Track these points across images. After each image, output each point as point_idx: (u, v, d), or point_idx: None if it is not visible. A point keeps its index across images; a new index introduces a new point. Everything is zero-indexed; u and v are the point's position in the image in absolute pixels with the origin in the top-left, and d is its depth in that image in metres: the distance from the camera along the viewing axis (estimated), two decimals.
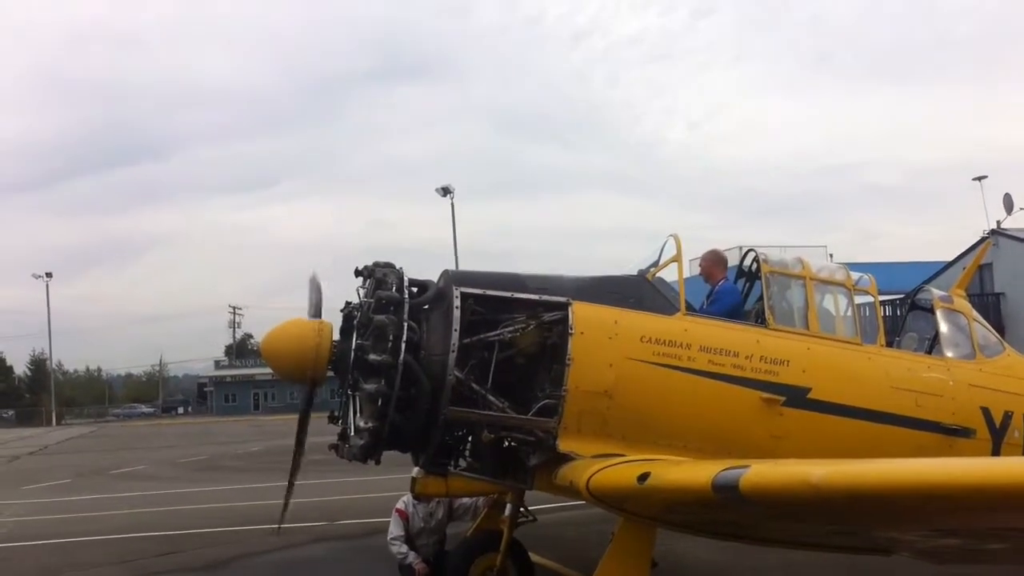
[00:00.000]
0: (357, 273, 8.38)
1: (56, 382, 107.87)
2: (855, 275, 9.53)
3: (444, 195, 64.38)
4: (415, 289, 8.39)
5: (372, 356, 7.75)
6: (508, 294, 8.30)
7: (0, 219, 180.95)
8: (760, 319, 8.86)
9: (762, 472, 5.74)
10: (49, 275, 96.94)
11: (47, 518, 18.74)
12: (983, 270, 40.99)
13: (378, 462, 8.28)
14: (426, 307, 8.33)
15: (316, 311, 8.23)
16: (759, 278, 9.13)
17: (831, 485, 5.20)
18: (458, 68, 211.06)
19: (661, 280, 8.83)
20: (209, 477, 26.63)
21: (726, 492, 5.83)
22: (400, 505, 10.17)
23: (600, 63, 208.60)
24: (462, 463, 8.71)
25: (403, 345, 7.81)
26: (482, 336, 8.13)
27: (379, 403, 7.81)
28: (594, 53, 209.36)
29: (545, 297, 8.29)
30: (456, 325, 7.99)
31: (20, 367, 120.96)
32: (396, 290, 8.09)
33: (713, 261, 9.75)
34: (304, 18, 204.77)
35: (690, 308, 8.73)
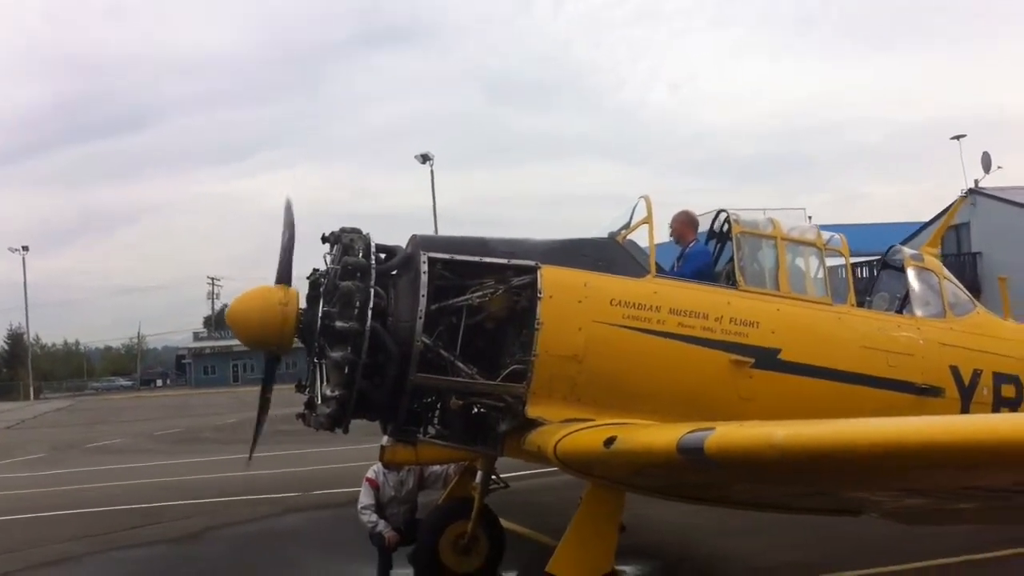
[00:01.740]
0: (324, 239, 8.21)
1: (34, 356, 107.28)
2: (826, 235, 9.43)
3: (423, 162, 64.20)
4: (383, 255, 8.26)
5: (338, 323, 7.63)
6: (476, 258, 8.18)
7: None
8: (731, 280, 8.78)
9: (726, 434, 5.68)
10: (26, 248, 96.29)
11: (17, 492, 18.69)
12: (960, 229, 41.19)
13: (346, 431, 8.17)
14: (394, 273, 8.21)
15: (285, 269, 8.07)
16: (730, 239, 9.03)
17: (793, 445, 5.15)
18: (441, 33, 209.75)
19: (631, 242, 8.71)
20: (185, 449, 26.58)
21: (691, 454, 5.77)
22: (370, 474, 10.08)
23: (582, 26, 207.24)
24: (431, 430, 8.60)
25: (370, 311, 7.70)
26: (450, 302, 8.02)
27: (346, 370, 7.69)
28: (577, 16, 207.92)
29: (514, 261, 8.18)
30: (424, 291, 7.87)
31: None
32: (363, 256, 7.96)
33: (684, 222, 9.64)
34: None
35: (660, 270, 8.64)
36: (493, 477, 9.73)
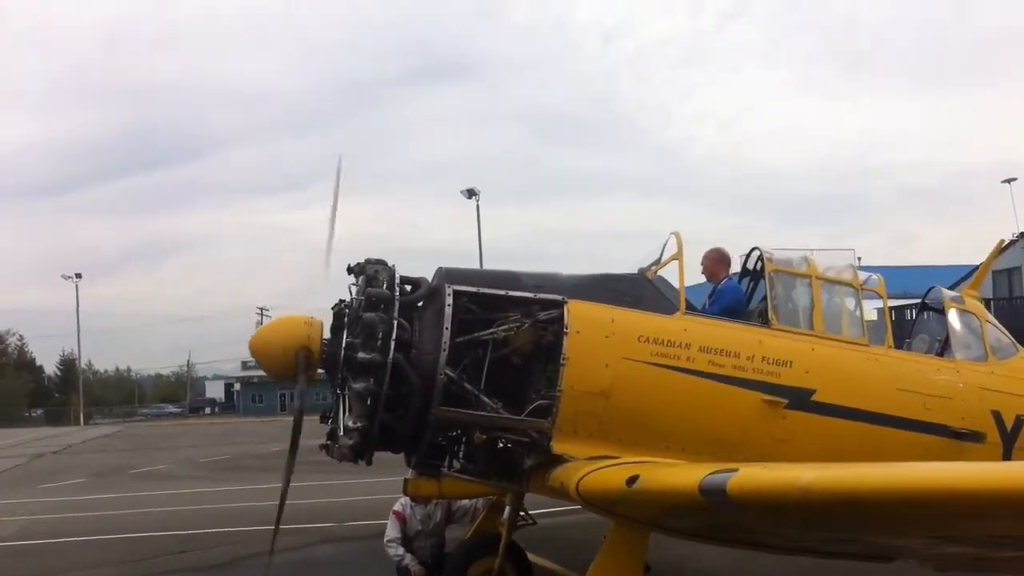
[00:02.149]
0: (349, 270, 8.23)
1: (86, 382, 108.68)
2: (863, 275, 9.28)
3: (469, 197, 64.25)
4: (408, 287, 8.24)
5: (361, 354, 7.61)
6: (502, 292, 8.13)
7: (32, 221, 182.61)
8: (763, 319, 8.64)
9: (751, 475, 5.57)
10: (79, 276, 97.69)
11: (59, 516, 18.76)
12: (1012, 274, 40.44)
13: (369, 462, 8.13)
14: (419, 305, 8.18)
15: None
16: (763, 277, 8.90)
17: (820, 489, 5.02)
18: (488, 70, 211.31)
19: (661, 279, 8.62)
20: (229, 477, 26.61)
21: (714, 495, 5.65)
22: (397, 507, 10.02)
23: (630, 65, 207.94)
24: (456, 464, 8.53)
25: (392, 343, 7.66)
26: (475, 335, 7.96)
27: (368, 402, 7.67)
28: (624, 55, 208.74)
29: (540, 295, 8.12)
30: (448, 323, 7.83)
31: (51, 367, 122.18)
32: (387, 287, 7.94)
33: (716, 259, 9.52)
34: (335, 19, 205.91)
35: (690, 307, 8.52)
36: (521, 513, 9.61)
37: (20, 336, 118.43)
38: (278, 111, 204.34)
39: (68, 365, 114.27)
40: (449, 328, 7.82)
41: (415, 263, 8.52)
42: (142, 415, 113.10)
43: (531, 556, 10.65)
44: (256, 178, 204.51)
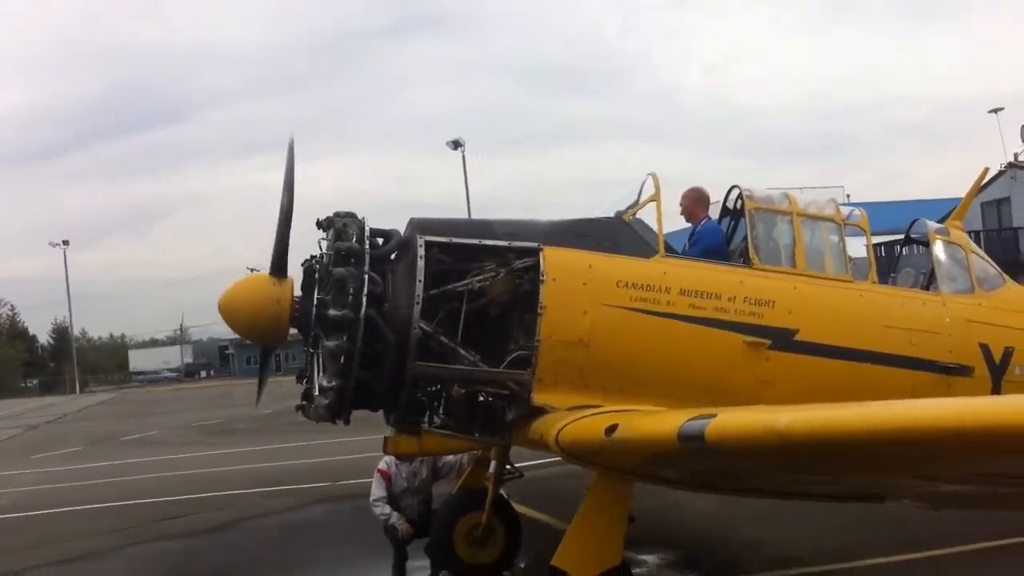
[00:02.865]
0: (318, 225, 7.98)
1: (80, 349, 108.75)
2: (846, 210, 9.06)
3: (455, 148, 63.75)
4: (380, 240, 8.02)
5: (332, 311, 7.39)
6: (476, 241, 7.90)
7: (17, 189, 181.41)
8: (744, 259, 8.44)
9: (728, 420, 5.40)
10: (66, 243, 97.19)
11: (52, 487, 18.80)
12: (1001, 204, 40.26)
13: (347, 422, 7.93)
14: (391, 258, 7.97)
15: (280, 252, 7.70)
16: (744, 216, 8.69)
17: (797, 431, 4.85)
18: (474, 21, 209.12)
19: (639, 221, 8.37)
20: (221, 441, 26.63)
21: (692, 442, 5.48)
22: (382, 465, 9.87)
23: (614, 11, 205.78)
24: (436, 420, 8.36)
25: (364, 298, 7.46)
26: (450, 286, 7.75)
27: (342, 360, 7.46)
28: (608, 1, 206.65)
29: (515, 243, 7.89)
30: (420, 276, 7.60)
31: (44, 336, 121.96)
32: (357, 241, 7.72)
33: (694, 199, 9.27)
34: None
35: (670, 250, 8.32)
36: (507, 466, 9.49)
37: (12, 306, 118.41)
38: (262, 70, 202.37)
39: (61, 333, 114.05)
40: (422, 280, 7.60)
41: (404, 218, 8.31)
42: (137, 381, 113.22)
43: (520, 508, 10.58)
44: (241, 138, 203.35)
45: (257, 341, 8.18)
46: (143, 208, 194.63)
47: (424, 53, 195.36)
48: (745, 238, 8.54)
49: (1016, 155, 39.47)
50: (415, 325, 7.52)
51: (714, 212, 9.38)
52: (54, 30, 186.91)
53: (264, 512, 14.12)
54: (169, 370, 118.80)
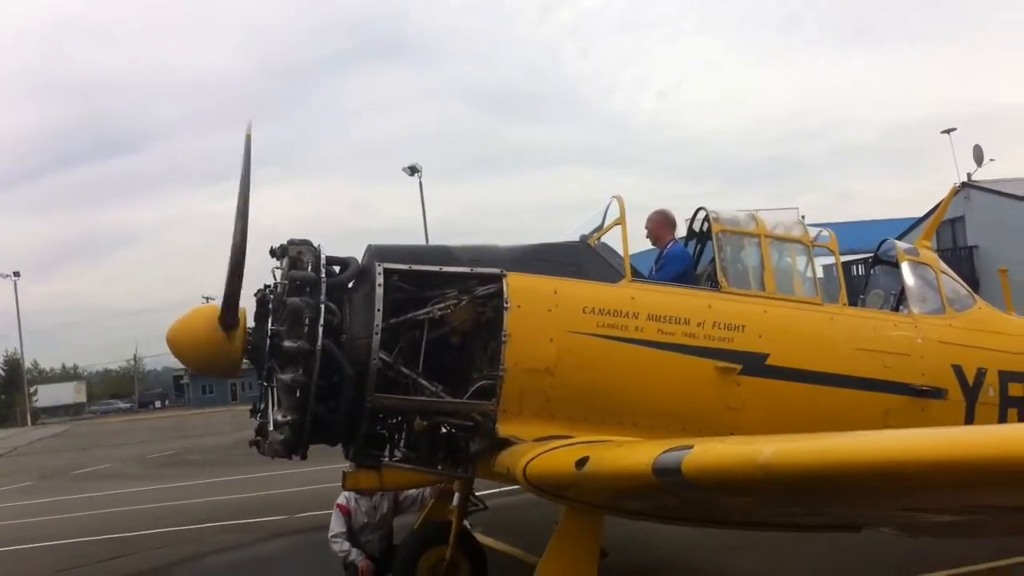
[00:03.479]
0: (272, 253, 7.65)
1: (32, 381, 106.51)
2: (814, 231, 8.89)
3: (412, 174, 63.33)
4: (336, 268, 7.71)
5: (287, 343, 7.07)
6: (436, 268, 7.64)
7: None
8: (712, 282, 8.24)
9: (706, 452, 5.15)
10: (17, 274, 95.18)
11: (1, 524, 18.04)
12: (955, 224, 40.63)
13: (304, 457, 7.63)
14: (349, 286, 7.66)
15: (232, 283, 7.33)
16: (711, 239, 8.48)
17: (781, 464, 4.61)
18: (428, 48, 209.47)
19: (604, 245, 8.16)
20: (174, 473, 25.93)
21: (668, 475, 5.22)
22: (341, 500, 9.52)
23: (569, 36, 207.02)
24: (397, 454, 8.04)
25: (320, 329, 7.14)
26: (410, 315, 7.47)
27: (297, 394, 7.14)
28: (562, 26, 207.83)
29: (477, 269, 7.64)
30: (379, 304, 7.32)
31: None
32: (312, 269, 7.41)
33: (660, 223, 9.07)
34: (270, 3, 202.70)
35: (637, 274, 8.09)
36: (471, 498, 9.17)
37: None
38: (215, 100, 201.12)
39: (12, 365, 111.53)
40: (381, 310, 7.31)
41: (361, 245, 8.06)
42: (91, 412, 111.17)
43: (486, 540, 10.26)
44: (195, 167, 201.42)
45: (207, 374, 7.82)
46: (96, 239, 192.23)
47: (379, 80, 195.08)
48: (712, 261, 8.37)
49: (969, 175, 39.84)
50: (374, 356, 7.24)
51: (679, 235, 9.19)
52: (5, 62, 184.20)
53: (214, 548, 13.61)
54: (123, 401, 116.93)
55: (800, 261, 8.69)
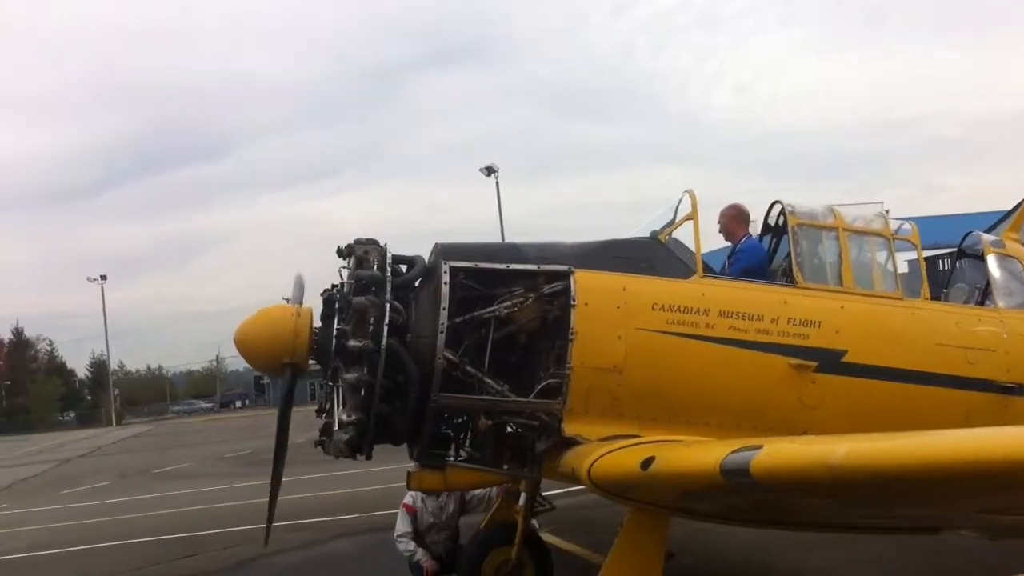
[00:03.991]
0: (339, 253, 7.59)
1: (118, 382, 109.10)
2: (895, 224, 8.58)
3: (488, 174, 63.69)
4: (403, 267, 7.64)
5: (352, 342, 7.01)
6: (503, 266, 7.51)
7: (59, 225, 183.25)
8: (787, 277, 7.98)
9: (776, 452, 4.95)
10: (104, 278, 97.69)
11: (76, 524, 18.41)
12: None
13: (369, 457, 7.56)
14: (416, 285, 7.58)
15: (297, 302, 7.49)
16: (786, 232, 8.23)
17: (854, 465, 4.40)
18: (504, 48, 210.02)
19: (675, 241, 7.99)
20: (249, 472, 26.04)
21: (736, 476, 5.03)
22: (407, 499, 9.47)
23: (644, 33, 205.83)
24: (462, 453, 7.93)
25: (385, 328, 7.06)
26: (476, 314, 7.35)
27: (362, 393, 7.08)
28: (637, 23, 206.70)
29: (544, 267, 7.49)
30: (444, 303, 7.22)
31: (82, 370, 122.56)
32: (378, 268, 7.33)
33: (733, 217, 8.83)
34: (347, 10, 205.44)
35: (708, 270, 7.88)
36: (538, 498, 9.03)
37: (50, 341, 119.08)
38: (298, 104, 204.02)
39: (98, 367, 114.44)
40: (446, 308, 7.21)
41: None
42: (173, 412, 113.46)
43: (554, 540, 10.11)
44: (278, 172, 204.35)
45: (274, 374, 7.79)
46: (180, 242, 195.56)
47: (455, 83, 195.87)
48: (788, 256, 8.09)
49: None
50: (439, 355, 7.13)
51: (754, 229, 8.94)
52: (91, 70, 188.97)
53: (283, 547, 13.63)
54: (205, 401, 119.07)
55: (880, 255, 8.38)
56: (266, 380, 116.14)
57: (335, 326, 7.25)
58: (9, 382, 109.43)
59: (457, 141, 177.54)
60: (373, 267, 7.36)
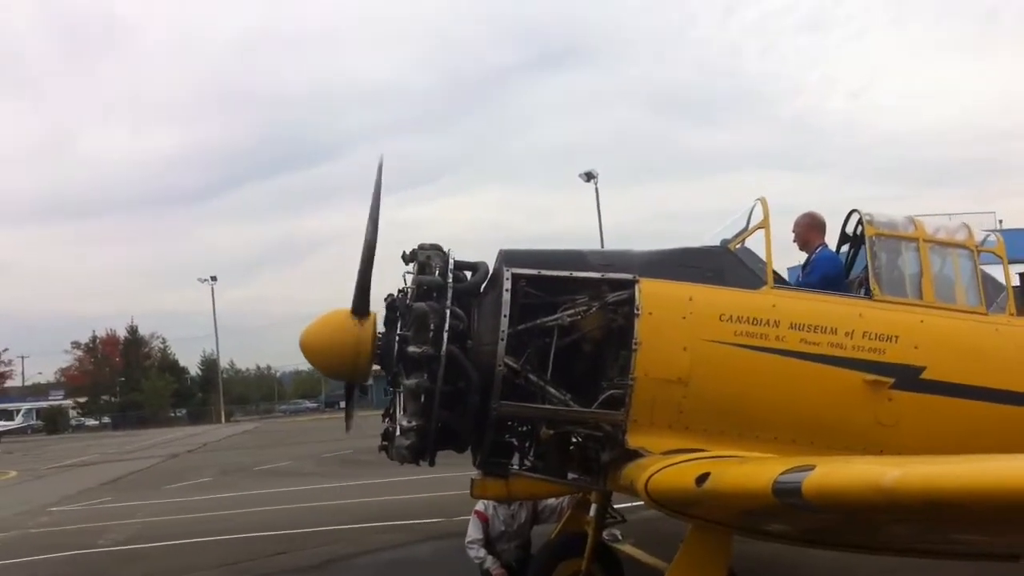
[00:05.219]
0: (403, 258, 7.62)
1: (228, 381, 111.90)
2: (980, 235, 8.24)
3: (588, 180, 63.42)
4: (468, 273, 7.63)
5: (411, 348, 7.02)
6: (566, 273, 7.43)
7: (170, 228, 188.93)
8: (864, 289, 7.73)
9: (829, 473, 4.77)
10: (214, 279, 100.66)
11: (175, 518, 18.96)
12: None
13: (432, 463, 7.56)
14: (480, 292, 7.56)
15: (362, 288, 7.39)
16: (864, 243, 7.97)
17: (906, 489, 4.21)
18: (608, 52, 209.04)
19: (746, 250, 7.79)
20: (345, 472, 26.56)
21: (788, 496, 4.87)
22: (479, 507, 9.46)
23: (753, 35, 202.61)
24: (526, 462, 7.87)
25: (445, 334, 7.05)
26: (538, 321, 7.28)
27: (422, 399, 7.09)
28: (746, 25, 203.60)
29: (608, 275, 7.39)
30: (506, 310, 7.17)
31: (194, 368, 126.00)
32: (440, 274, 7.33)
33: (808, 226, 8.59)
34: (453, 14, 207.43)
35: (780, 280, 7.68)
36: (608, 510, 8.92)
37: (163, 339, 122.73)
38: (402, 108, 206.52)
39: (209, 365, 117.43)
40: (507, 315, 7.17)
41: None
42: (280, 411, 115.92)
43: (635, 551, 9.97)
44: (386, 175, 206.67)
45: (338, 379, 7.85)
46: (289, 245, 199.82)
47: (556, 86, 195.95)
48: (865, 267, 7.83)
49: None
50: (499, 362, 7.08)
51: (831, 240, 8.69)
52: (203, 76, 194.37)
53: (370, 549, 13.86)
54: (310, 401, 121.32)
55: (964, 267, 8.06)
56: (370, 382, 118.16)
57: (397, 331, 7.27)
58: (124, 378, 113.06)
59: (559, 145, 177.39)
60: (435, 273, 7.36)
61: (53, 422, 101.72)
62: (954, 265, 8.06)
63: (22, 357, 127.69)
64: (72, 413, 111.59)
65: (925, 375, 7.37)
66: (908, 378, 7.33)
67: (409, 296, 7.33)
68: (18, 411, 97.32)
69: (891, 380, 7.30)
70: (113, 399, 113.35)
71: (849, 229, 8.51)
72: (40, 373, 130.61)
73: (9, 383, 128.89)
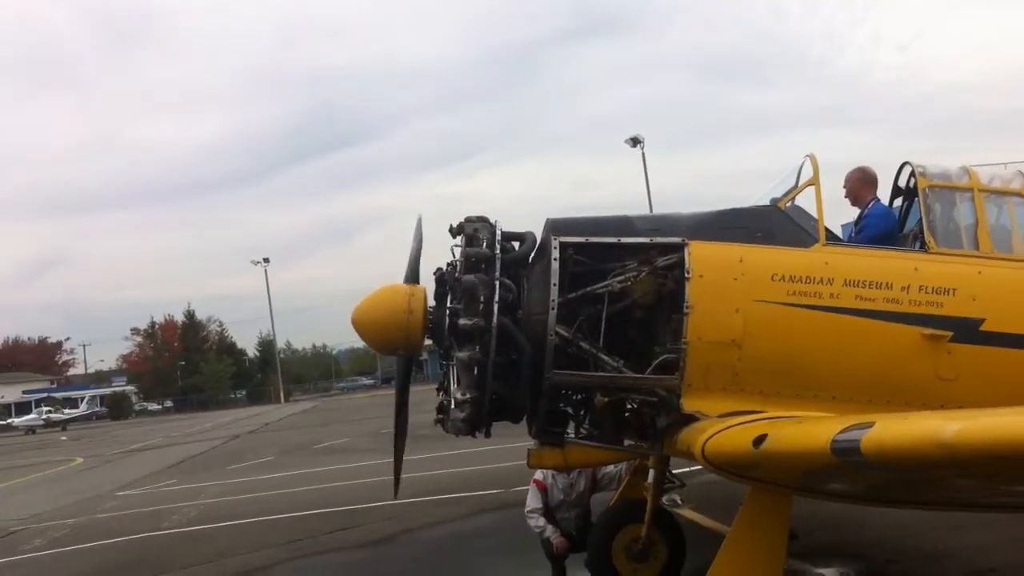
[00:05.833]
0: (450, 231, 7.62)
1: (285, 361, 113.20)
2: None
3: (634, 145, 62.96)
4: (516, 244, 7.61)
5: (462, 320, 7.03)
6: (614, 240, 7.39)
7: (223, 212, 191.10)
8: (919, 243, 7.59)
9: (888, 430, 4.72)
10: (267, 260, 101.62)
11: (239, 498, 19.26)
12: None
13: (487, 435, 7.58)
14: (528, 262, 7.54)
15: (412, 271, 7.53)
16: (917, 195, 7.83)
17: (966, 442, 4.15)
18: (649, 17, 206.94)
19: (796, 208, 7.68)
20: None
21: (848, 455, 4.82)
22: (538, 476, 9.45)
23: None
24: (582, 431, 7.86)
25: (495, 306, 7.04)
26: (588, 289, 7.25)
27: (475, 371, 7.10)
28: None
29: (657, 239, 7.34)
30: (555, 279, 7.15)
31: (251, 349, 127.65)
32: (487, 246, 7.32)
33: (859, 180, 8.44)
34: None
35: (832, 237, 7.57)
36: (667, 475, 8.89)
37: (220, 322, 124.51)
38: (444, 83, 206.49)
39: (266, 346, 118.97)
40: (556, 284, 7.15)
41: None
42: (338, 389, 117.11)
43: (695, 515, 9.95)
44: (427, 152, 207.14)
45: (391, 354, 7.88)
46: (339, 225, 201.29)
47: (599, 55, 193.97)
48: (920, 220, 7.69)
49: None
50: (550, 331, 7.07)
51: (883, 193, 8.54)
52: (247, 61, 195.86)
53: (431, 522, 13.99)
54: (367, 378, 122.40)
55: (1021, 216, 7.88)
56: (424, 356, 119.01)
57: (448, 305, 7.28)
58: (183, 362, 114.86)
59: (603, 114, 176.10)
60: (483, 245, 7.35)
61: (117, 408, 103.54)
62: (1010, 214, 7.90)
63: (84, 345, 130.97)
64: (134, 398, 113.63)
65: (984, 327, 7.23)
66: (967, 331, 7.21)
67: (458, 269, 7.32)
68: (83, 398, 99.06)
69: (950, 334, 7.18)
70: (176, 383, 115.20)
71: (902, 182, 8.37)
72: (102, 360, 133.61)
73: (72, 371, 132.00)
